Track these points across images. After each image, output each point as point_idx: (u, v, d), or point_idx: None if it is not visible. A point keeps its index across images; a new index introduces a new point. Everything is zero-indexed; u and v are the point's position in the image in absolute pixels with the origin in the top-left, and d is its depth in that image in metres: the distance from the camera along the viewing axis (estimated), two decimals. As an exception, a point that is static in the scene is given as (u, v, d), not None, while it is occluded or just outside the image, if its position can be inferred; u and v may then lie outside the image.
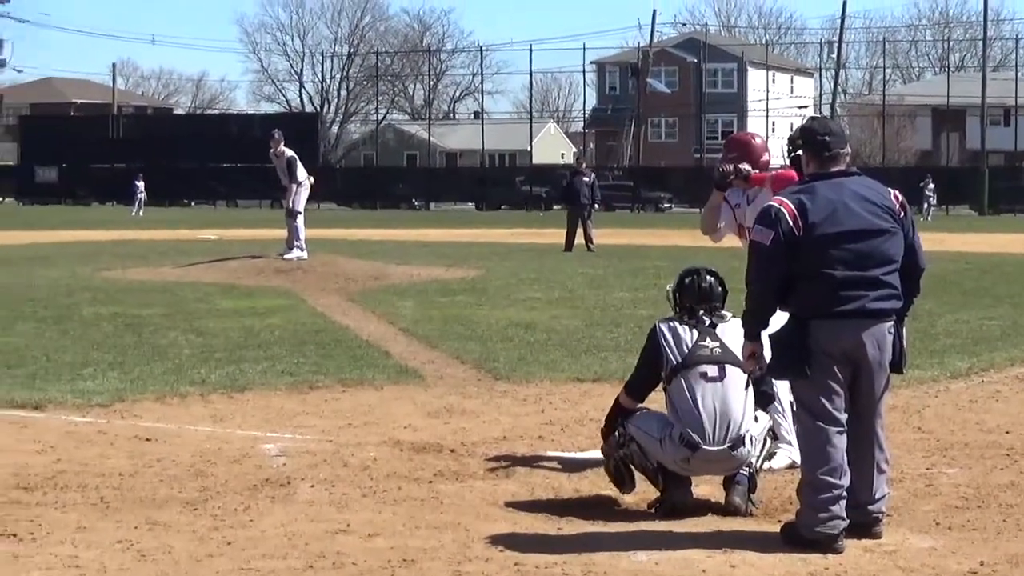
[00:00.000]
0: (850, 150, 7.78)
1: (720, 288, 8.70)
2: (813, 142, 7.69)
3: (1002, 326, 17.94)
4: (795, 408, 7.88)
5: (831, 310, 7.41)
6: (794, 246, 7.42)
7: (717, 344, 8.36)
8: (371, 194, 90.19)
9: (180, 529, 7.82)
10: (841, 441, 7.45)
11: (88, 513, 8.19)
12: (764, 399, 8.37)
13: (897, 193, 7.73)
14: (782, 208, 7.47)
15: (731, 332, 8.40)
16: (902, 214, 7.63)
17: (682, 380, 8.26)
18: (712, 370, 8.27)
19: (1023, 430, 10.90)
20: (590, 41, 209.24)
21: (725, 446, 8.15)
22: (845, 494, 7.41)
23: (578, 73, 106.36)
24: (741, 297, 7.67)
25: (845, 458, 7.45)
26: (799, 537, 7.41)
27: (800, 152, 7.92)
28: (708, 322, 8.49)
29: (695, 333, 8.41)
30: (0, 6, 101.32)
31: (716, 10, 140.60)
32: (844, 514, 7.39)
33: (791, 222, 7.42)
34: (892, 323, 7.56)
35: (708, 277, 8.69)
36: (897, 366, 7.63)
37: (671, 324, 8.47)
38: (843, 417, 7.49)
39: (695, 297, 8.62)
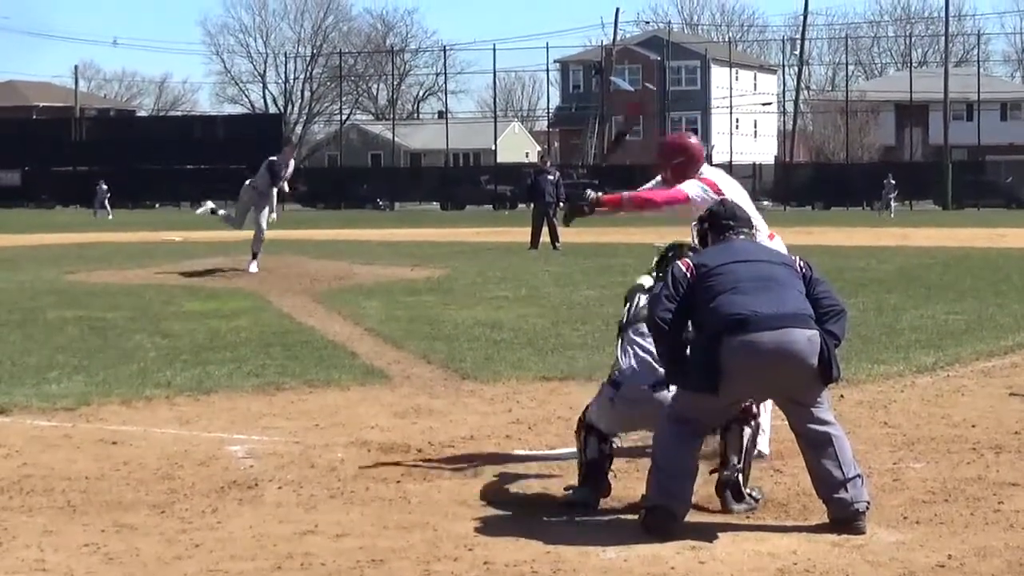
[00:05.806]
0: (754, 231, 8.58)
1: None
2: (717, 224, 8.38)
3: (967, 320, 18.00)
4: (671, 398, 8.02)
5: (738, 321, 7.58)
6: (691, 290, 7.82)
7: None
8: (336, 194, 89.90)
9: (148, 532, 7.79)
10: (692, 446, 7.81)
11: (55, 517, 8.15)
12: None
13: (800, 258, 8.15)
14: (679, 263, 8.06)
15: None
16: (804, 271, 7.99)
17: (621, 338, 8.52)
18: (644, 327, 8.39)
19: (989, 424, 10.93)
20: (553, 40, 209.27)
21: (645, 386, 8.20)
22: (671, 487, 7.67)
23: (542, 72, 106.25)
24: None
25: (691, 463, 7.79)
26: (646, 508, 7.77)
27: (707, 230, 8.44)
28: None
29: (646, 297, 8.58)
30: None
31: (679, 8, 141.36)
32: (667, 503, 7.63)
33: (685, 270, 7.91)
34: (809, 332, 7.63)
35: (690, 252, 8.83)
36: (827, 376, 7.69)
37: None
38: (706, 429, 7.94)
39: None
